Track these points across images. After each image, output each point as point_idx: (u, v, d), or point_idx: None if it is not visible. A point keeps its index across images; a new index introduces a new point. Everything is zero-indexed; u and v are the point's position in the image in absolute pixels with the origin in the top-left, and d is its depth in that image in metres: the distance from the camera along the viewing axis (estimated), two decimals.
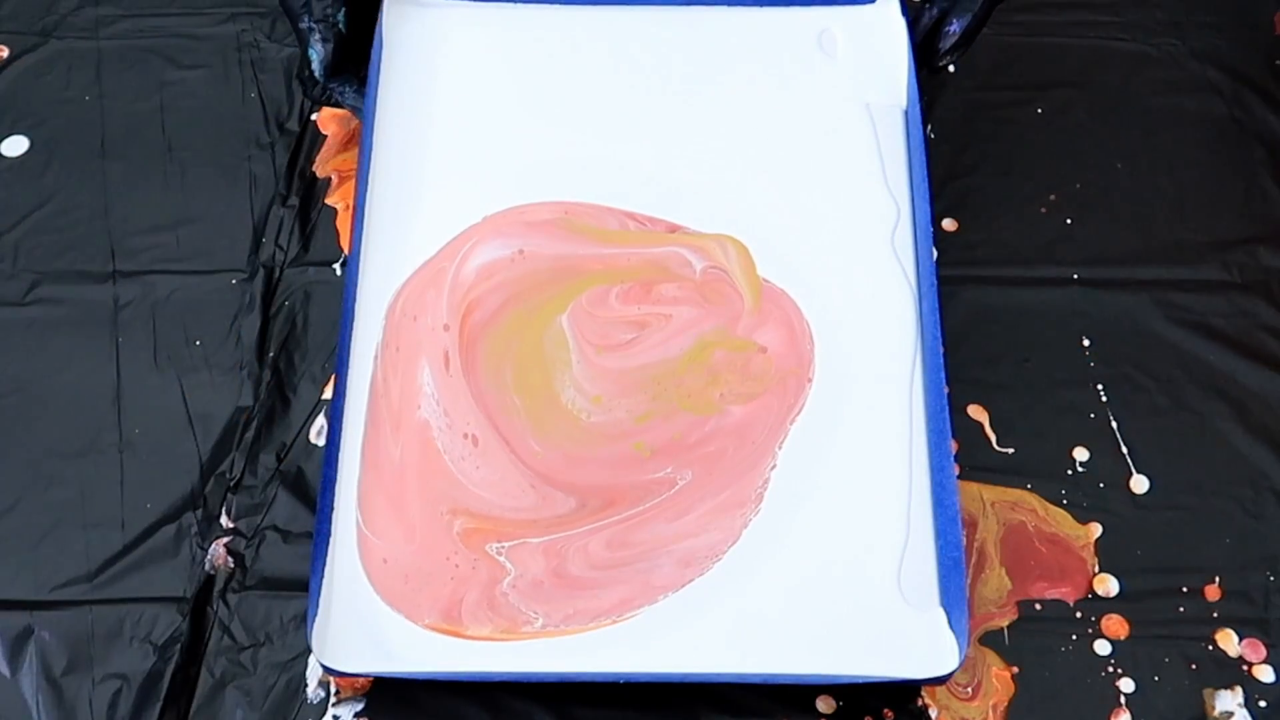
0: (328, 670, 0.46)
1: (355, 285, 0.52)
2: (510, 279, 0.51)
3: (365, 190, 0.54)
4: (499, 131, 0.55)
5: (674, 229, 0.53)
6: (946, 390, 0.50)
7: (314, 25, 0.55)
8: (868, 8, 0.57)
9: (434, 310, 0.51)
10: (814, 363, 0.50)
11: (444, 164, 0.54)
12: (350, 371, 0.50)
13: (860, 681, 0.46)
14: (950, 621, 0.46)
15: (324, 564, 0.47)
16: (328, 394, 0.56)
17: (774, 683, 0.46)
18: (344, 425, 0.49)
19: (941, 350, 0.50)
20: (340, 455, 0.49)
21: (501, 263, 0.52)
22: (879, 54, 0.56)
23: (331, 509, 0.48)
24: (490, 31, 0.57)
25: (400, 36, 0.56)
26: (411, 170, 0.54)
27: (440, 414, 0.49)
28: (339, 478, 0.48)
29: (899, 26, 0.56)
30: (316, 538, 0.48)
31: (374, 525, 0.47)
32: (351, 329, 0.51)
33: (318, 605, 0.46)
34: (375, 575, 0.47)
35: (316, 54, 0.55)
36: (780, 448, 0.49)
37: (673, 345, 0.50)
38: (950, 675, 0.46)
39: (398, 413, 0.49)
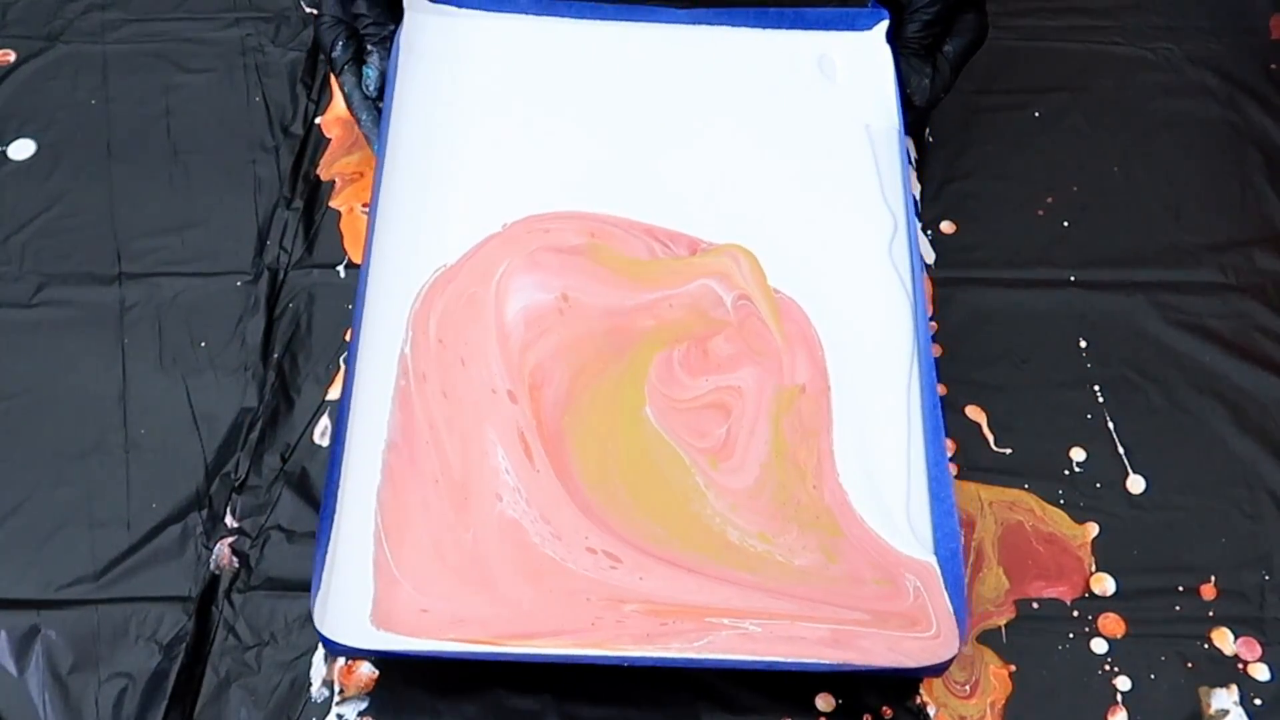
0: (329, 647, 0.45)
1: (366, 278, 0.51)
2: (565, 342, 0.51)
3: (379, 193, 0.54)
4: (512, 138, 0.56)
5: (693, 247, 0.54)
6: (941, 390, 0.50)
7: (374, 48, 0.58)
8: (863, 34, 0.59)
9: (482, 359, 0.50)
10: (828, 370, 0.52)
11: (458, 168, 0.55)
12: (360, 359, 0.50)
13: (859, 670, 0.46)
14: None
15: (329, 538, 0.46)
16: (332, 395, 0.56)
17: (777, 670, 0.46)
18: (354, 402, 0.49)
19: (932, 352, 0.52)
20: (349, 422, 0.48)
21: (548, 313, 0.52)
22: (873, 79, 0.58)
23: (338, 486, 0.48)
24: (503, 43, 0.59)
25: (418, 45, 0.57)
26: (426, 173, 0.55)
27: (537, 519, 0.47)
28: (346, 465, 0.48)
29: (885, 54, 0.58)
30: (324, 510, 0.47)
31: (426, 588, 0.46)
32: (363, 313, 0.50)
33: (321, 575, 0.46)
34: (396, 611, 0.45)
35: (374, 71, 0.57)
36: (840, 480, 0.50)
37: (759, 438, 0.50)
38: (948, 663, 0.46)
39: (462, 488, 0.48)
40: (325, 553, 0.46)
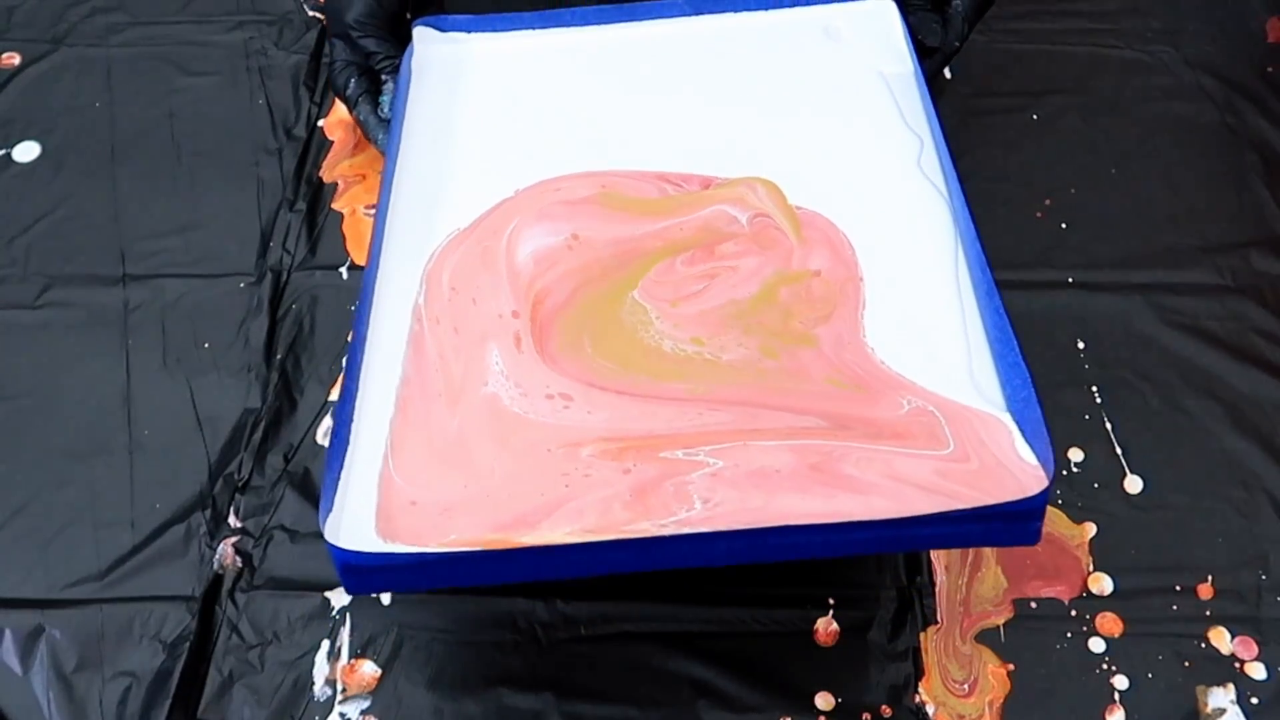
0: (338, 561, 0.43)
1: (380, 246, 0.52)
2: (574, 268, 0.52)
3: (391, 176, 0.54)
4: (524, 125, 0.57)
5: (708, 183, 0.54)
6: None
7: (388, 76, 0.59)
8: (866, 2, 0.60)
9: (494, 296, 0.51)
10: (859, 263, 0.51)
11: (471, 151, 0.55)
12: (374, 312, 0.50)
13: (953, 517, 0.43)
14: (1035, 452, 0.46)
15: (342, 460, 0.46)
16: (335, 396, 0.57)
17: (794, 548, 0.44)
18: (369, 346, 0.49)
19: (979, 244, 0.51)
20: (363, 366, 0.48)
21: (558, 250, 0.52)
22: (882, 35, 0.59)
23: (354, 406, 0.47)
24: (512, 56, 0.60)
25: (429, 74, 0.58)
26: (438, 158, 0.55)
27: (512, 387, 0.48)
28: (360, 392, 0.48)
29: (892, 12, 0.59)
30: (335, 436, 0.46)
31: (413, 479, 0.46)
32: (377, 274, 0.51)
33: (332, 499, 0.45)
34: (389, 511, 0.45)
35: (389, 96, 0.59)
36: (866, 338, 0.49)
37: (741, 290, 0.51)
38: (1044, 500, 0.44)
39: (458, 390, 0.48)
40: (337, 476, 0.46)
